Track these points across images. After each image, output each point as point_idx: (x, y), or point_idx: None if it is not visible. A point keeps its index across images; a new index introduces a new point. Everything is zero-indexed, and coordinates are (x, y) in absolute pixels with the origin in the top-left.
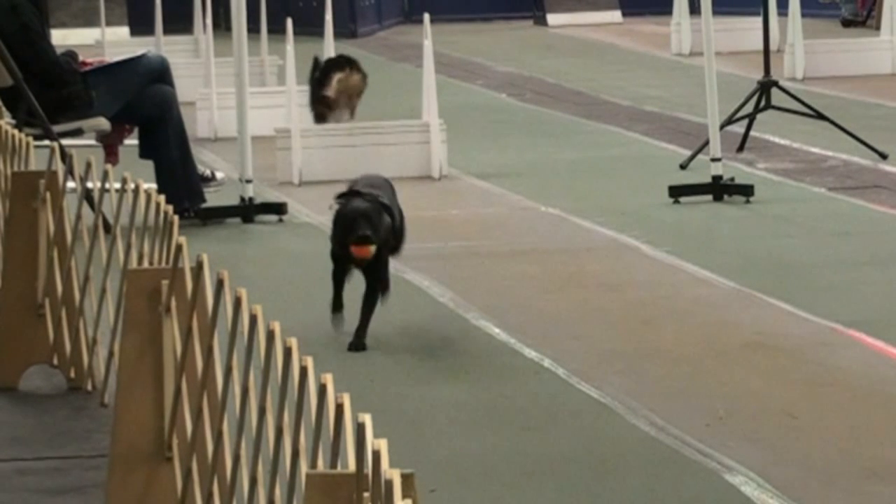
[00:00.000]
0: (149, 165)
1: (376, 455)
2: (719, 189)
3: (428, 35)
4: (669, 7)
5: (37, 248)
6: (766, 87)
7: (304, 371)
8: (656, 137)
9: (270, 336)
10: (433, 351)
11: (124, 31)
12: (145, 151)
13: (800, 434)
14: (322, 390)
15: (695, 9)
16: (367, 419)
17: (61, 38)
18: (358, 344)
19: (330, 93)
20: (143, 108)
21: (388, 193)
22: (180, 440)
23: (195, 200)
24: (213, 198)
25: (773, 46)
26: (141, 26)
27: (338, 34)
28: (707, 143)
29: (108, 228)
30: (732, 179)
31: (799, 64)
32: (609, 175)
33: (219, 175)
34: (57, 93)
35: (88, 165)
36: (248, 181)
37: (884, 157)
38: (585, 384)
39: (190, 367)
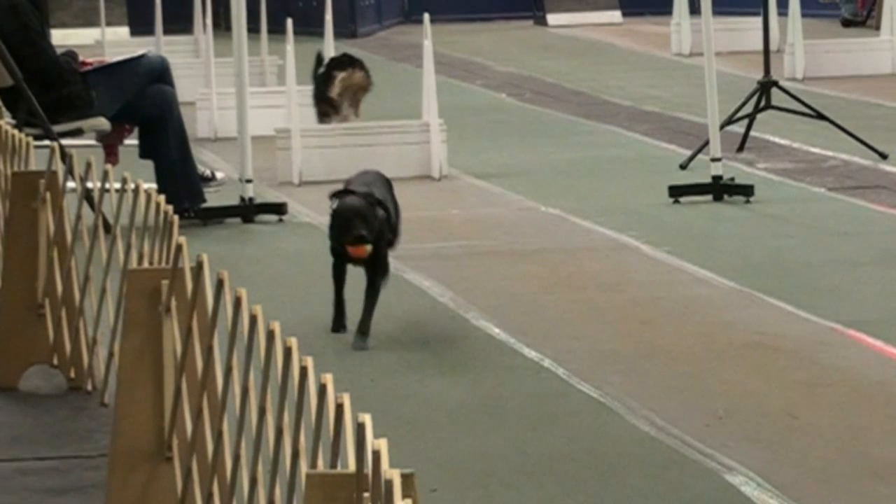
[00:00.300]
0: (149, 165)
1: (376, 455)
2: (719, 189)
3: (428, 35)
4: (669, 7)
5: (37, 248)
6: (766, 87)
7: (304, 371)
8: (656, 137)
9: (270, 336)
10: (433, 351)
11: (124, 31)
12: (145, 151)
13: (800, 434)
14: (322, 390)
15: (695, 9)
16: (367, 419)
17: (61, 38)
18: (363, 336)
19: (333, 93)
20: (143, 108)
21: (382, 188)
22: (180, 440)
23: (195, 200)
24: (213, 198)
25: (773, 46)
26: (141, 26)
27: (338, 34)
28: (707, 143)
29: (108, 228)
30: (732, 179)
31: (799, 64)
32: (609, 175)
33: (219, 175)
34: (57, 93)
35: (88, 165)
36: (248, 181)
37: (884, 157)
38: (585, 384)
39: (190, 367)
